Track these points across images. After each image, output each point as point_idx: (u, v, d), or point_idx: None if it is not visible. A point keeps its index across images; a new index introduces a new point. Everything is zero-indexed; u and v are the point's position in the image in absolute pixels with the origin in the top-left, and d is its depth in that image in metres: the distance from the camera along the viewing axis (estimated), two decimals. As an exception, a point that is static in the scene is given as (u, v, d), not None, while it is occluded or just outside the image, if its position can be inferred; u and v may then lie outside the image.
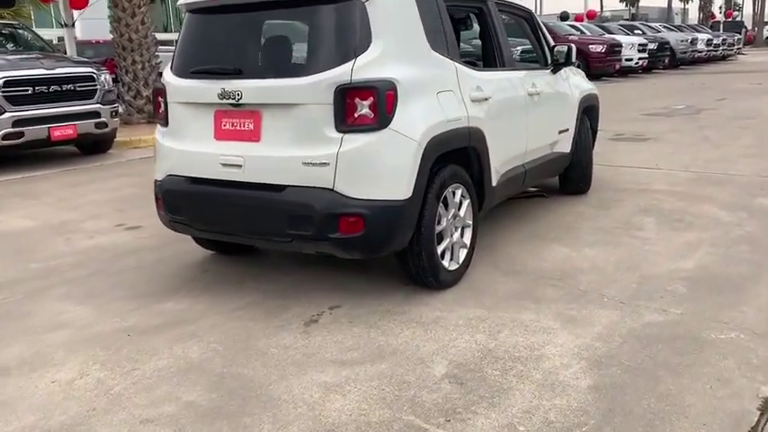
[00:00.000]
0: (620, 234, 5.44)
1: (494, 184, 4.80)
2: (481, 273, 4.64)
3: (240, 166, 4.02)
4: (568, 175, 6.68)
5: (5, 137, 8.90)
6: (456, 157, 4.41)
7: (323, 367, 3.39)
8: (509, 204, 6.37)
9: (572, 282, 4.44)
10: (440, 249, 4.23)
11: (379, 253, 3.92)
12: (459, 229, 4.47)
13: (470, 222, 4.56)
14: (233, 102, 4.01)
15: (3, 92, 8.87)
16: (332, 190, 3.80)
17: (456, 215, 4.41)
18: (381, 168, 3.80)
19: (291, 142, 3.89)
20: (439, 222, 4.22)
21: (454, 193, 4.36)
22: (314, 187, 3.83)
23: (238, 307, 4.19)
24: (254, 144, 4.01)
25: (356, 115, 3.75)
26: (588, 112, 6.67)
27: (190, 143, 4.27)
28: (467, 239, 4.56)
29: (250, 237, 4.22)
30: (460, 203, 4.45)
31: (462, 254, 4.52)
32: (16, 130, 9.00)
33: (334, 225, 3.78)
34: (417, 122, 3.90)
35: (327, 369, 3.37)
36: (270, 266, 4.92)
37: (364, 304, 4.16)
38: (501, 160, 4.91)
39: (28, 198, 7.67)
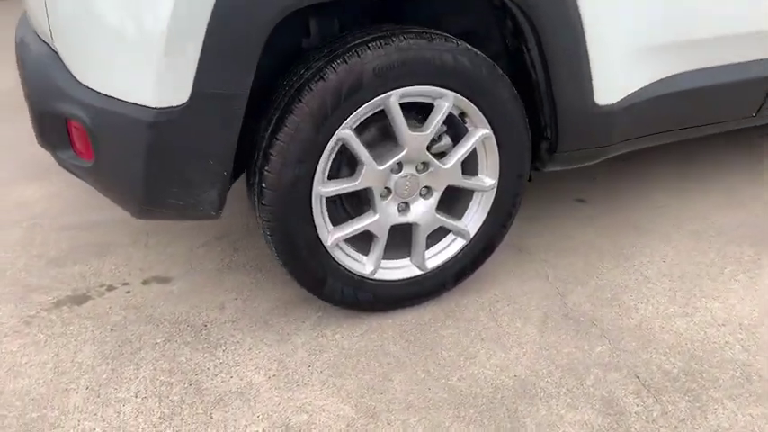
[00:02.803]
0: None
1: (603, 101, 1.94)
2: (487, 307, 2.05)
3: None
4: None
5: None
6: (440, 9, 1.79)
7: None
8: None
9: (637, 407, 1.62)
10: (337, 234, 1.82)
11: (146, 215, 1.75)
12: (432, 196, 1.90)
13: (489, 183, 1.92)
14: None
15: None
16: (56, 54, 1.71)
17: (425, 164, 1.85)
18: (104, 14, 1.52)
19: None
20: (339, 175, 1.77)
21: (417, 110, 1.79)
22: (47, 43, 1.78)
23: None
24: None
25: None
26: None
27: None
28: (470, 220, 1.97)
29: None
30: (456, 132, 1.86)
31: (445, 250, 1.98)
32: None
33: (59, 133, 1.72)
34: None
35: None
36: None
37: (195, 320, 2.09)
38: (653, 42, 1.96)
39: None
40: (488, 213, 1.96)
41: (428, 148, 1.86)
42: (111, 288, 2.14)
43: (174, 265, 2.24)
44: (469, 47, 1.74)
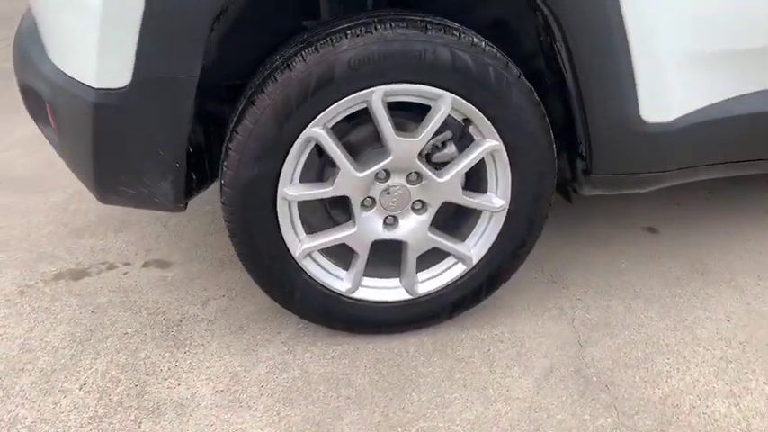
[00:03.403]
0: None
1: (653, 117, 1.57)
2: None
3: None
4: None
5: None
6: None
7: None
8: None
9: None
10: (309, 244, 1.61)
11: (106, 200, 1.63)
12: (426, 211, 1.63)
13: (498, 204, 1.63)
14: None
15: None
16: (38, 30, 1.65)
17: (418, 174, 1.58)
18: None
19: None
20: (319, 173, 1.57)
21: (421, 110, 1.53)
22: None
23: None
24: None
25: None
26: None
27: None
28: (474, 245, 1.69)
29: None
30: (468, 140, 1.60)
31: (442, 275, 1.72)
32: None
33: (39, 106, 1.66)
34: None
35: None
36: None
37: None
38: (729, 48, 1.55)
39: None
40: (497, 239, 1.67)
41: (429, 157, 1.61)
42: (111, 267, 2.08)
43: (179, 249, 2.15)
44: (477, 41, 1.45)
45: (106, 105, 1.40)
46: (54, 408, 1.57)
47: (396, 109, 1.53)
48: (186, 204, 1.64)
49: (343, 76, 1.41)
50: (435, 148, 1.62)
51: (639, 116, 1.55)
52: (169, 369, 1.67)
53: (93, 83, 1.38)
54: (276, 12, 1.68)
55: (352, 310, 1.69)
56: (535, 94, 1.53)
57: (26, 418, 1.54)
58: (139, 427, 1.51)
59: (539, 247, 2.12)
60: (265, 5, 1.64)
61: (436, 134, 1.59)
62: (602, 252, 2.10)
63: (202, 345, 1.75)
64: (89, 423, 1.52)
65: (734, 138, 1.65)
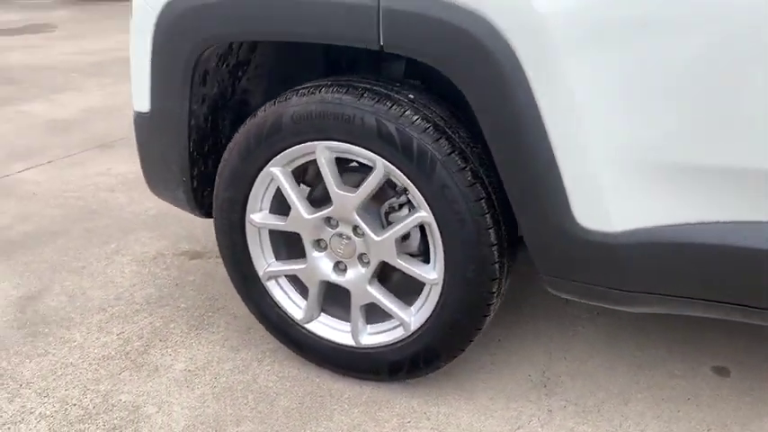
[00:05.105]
0: None
1: (593, 225, 1.38)
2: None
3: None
4: None
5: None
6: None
7: None
8: None
9: None
10: (273, 268, 1.82)
11: (156, 195, 2.07)
12: (369, 266, 1.69)
13: (432, 276, 1.61)
14: None
15: None
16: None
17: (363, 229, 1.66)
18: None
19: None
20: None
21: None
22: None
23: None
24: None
25: None
26: None
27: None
28: (415, 312, 1.69)
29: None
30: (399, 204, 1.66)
31: (385, 334, 1.76)
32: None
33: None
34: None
35: None
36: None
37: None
38: (696, 162, 1.29)
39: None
40: (434, 311, 1.64)
41: (387, 215, 1.69)
42: (219, 256, 2.56)
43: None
44: (407, 113, 1.50)
45: (140, 125, 1.84)
46: (94, 341, 2.07)
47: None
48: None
49: (288, 127, 1.60)
50: (393, 209, 1.68)
51: (575, 220, 1.39)
52: (176, 342, 2.05)
53: (134, 106, 1.84)
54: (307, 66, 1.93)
55: (305, 340, 1.83)
56: (469, 175, 1.49)
57: (74, 341, 2.08)
58: (119, 374, 1.92)
59: (558, 350, 1.93)
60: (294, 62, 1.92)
61: (395, 196, 1.66)
62: (629, 377, 1.81)
63: (212, 332, 2.09)
64: (97, 360, 1.99)
65: (708, 271, 1.33)
